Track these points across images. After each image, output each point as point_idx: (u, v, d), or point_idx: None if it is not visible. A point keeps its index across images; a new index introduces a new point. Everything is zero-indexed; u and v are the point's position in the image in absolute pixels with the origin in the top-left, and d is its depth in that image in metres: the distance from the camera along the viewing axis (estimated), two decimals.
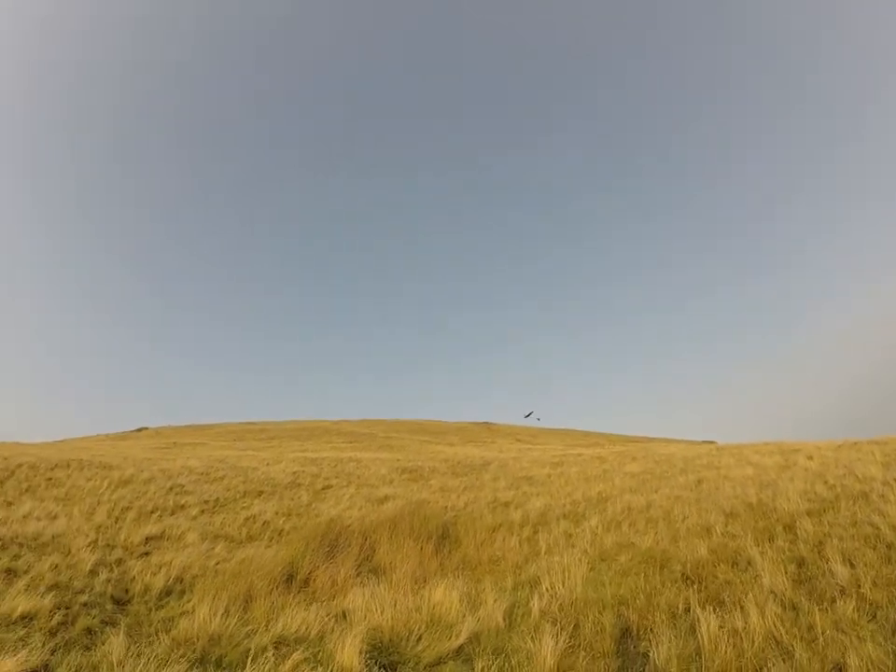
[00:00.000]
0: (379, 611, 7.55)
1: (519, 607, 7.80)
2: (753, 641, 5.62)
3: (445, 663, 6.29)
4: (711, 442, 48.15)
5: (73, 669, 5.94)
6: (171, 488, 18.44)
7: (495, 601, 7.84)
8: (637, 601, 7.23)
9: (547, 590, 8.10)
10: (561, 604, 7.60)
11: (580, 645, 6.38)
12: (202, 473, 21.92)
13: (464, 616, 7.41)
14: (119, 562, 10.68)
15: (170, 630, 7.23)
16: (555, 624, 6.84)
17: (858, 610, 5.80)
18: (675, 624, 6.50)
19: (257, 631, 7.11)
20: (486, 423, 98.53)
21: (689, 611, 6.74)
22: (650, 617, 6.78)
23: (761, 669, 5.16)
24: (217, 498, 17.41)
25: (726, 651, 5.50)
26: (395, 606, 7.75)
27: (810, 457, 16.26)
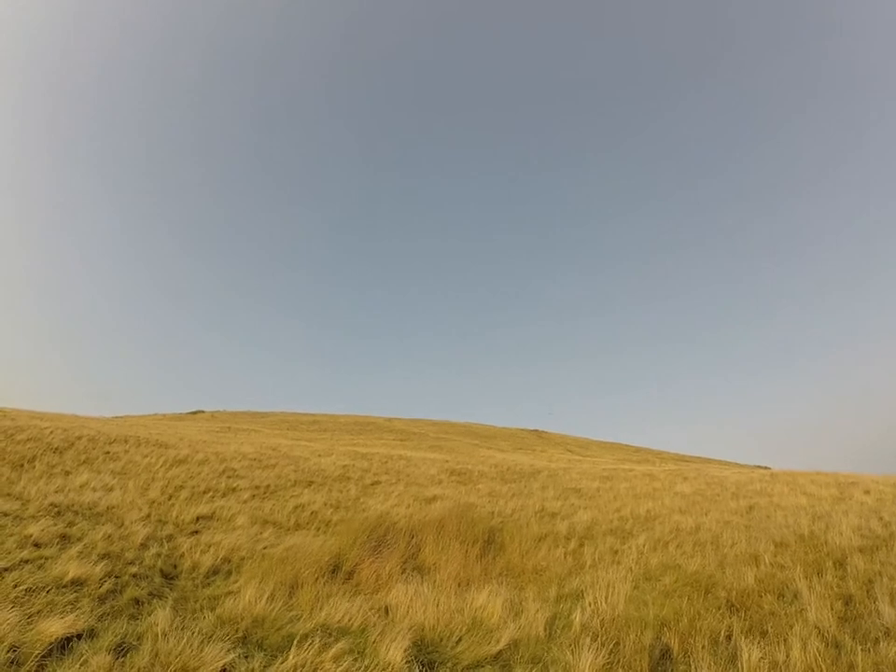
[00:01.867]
0: (421, 610, 7.73)
1: (560, 618, 7.83)
2: None
3: (483, 667, 6.38)
4: (765, 468, 46.90)
5: (118, 636, 6.12)
6: (223, 471, 18.95)
7: (537, 611, 7.90)
8: (680, 624, 7.20)
9: (589, 604, 8.11)
10: (602, 620, 7.61)
11: (618, 662, 6.39)
12: (254, 459, 22.41)
13: (505, 622, 7.51)
14: (170, 538, 11.12)
15: (215, 608, 7.52)
16: (595, 640, 6.85)
17: None
18: (715, 651, 6.47)
19: (300, 617, 7.29)
20: (537, 430, 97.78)
21: (731, 639, 6.71)
22: (690, 641, 6.74)
23: None
24: (268, 485, 17.82)
25: None
26: (437, 606, 7.91)
27: (867, 492, 15.79)
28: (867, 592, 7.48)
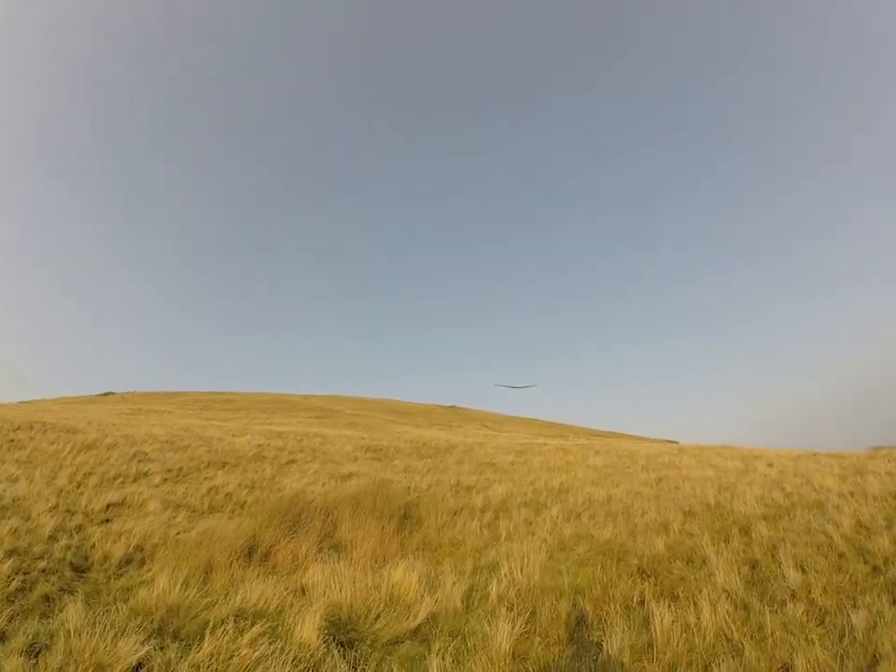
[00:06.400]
0: (338, 588, 7.57)
1: (477, 590, 7.89)
2: (705, 637, 5.80)
3: (402, 642, 6.35)
4: (673, 442, 48.75)
5: (30, 637, 5.77)
6: (134, 455, 18.16)
7: (453, 584, 7.92)
8: (594, 591, 7.38)
9: (505, 575, 8.19)
10: (518, 590, 7.71)
11: (535, 631, 6.51)
12: (166, 441, 21.63)
13: (422, 597, 7.47)
14: (80, 528, 10.50)
15: (128, 599, 7.13)
16: (512, 610, 6.95)
17: (807, 614, 6.00)
18: (629, 616, 6.64)
19: (216, 603, 7.03)
20: (454, 407, 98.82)
21: (643, 604, 6.92)
22: (605, 608, 6.93)
23: (710, 665, 5.32)
24: (181, 468, 17.21)
25: (678, 645, 5.66)
26: (354, 584, 7.76)
27: (770, 465, 16.54)
28: (772, 557, 7.86)
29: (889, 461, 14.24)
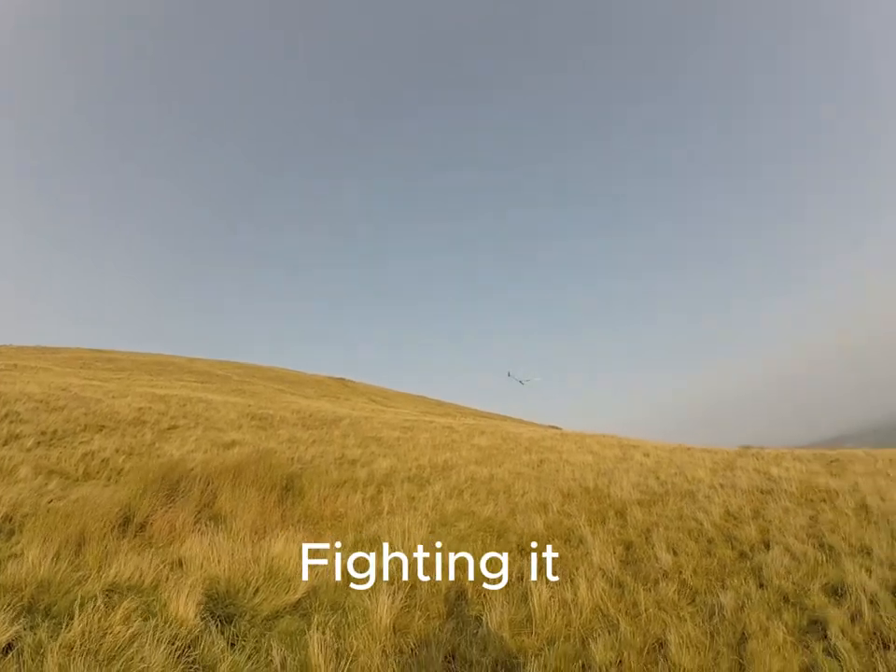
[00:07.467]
0: (217, 561, 7.29)
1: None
2: (581, 612, 6.08)
3: (282, 616, 6.24)
4: (556, 427, 50.28)
5: None
6: (6, 415, 16.75)
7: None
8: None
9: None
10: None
11: (416, 605, 6.59)
12: (41, 401, 20.13)
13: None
14: None
15: None
16: (393, 584, 6.95)
17: (679, 593, 6.41)
18: (508, 592, 6.80)
19: (88, 577, 6.59)
20: (343, 379, 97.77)
21: (522, 580, 7.09)
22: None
23: (587, 638, 5.55)
24: (56, 430, 16.05)
25: (556, 620, 5.89)
26: (233, 556, 7.50)
27: (646, 454, 17.41)
28: (646, 539, 8.39)
29: (756, 459, 15.31)
